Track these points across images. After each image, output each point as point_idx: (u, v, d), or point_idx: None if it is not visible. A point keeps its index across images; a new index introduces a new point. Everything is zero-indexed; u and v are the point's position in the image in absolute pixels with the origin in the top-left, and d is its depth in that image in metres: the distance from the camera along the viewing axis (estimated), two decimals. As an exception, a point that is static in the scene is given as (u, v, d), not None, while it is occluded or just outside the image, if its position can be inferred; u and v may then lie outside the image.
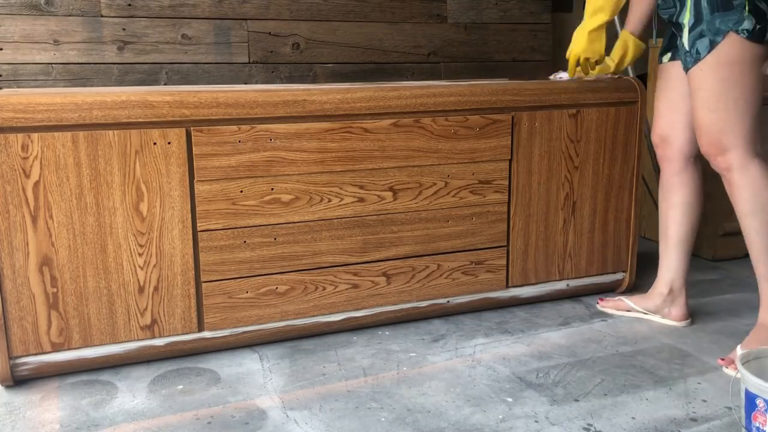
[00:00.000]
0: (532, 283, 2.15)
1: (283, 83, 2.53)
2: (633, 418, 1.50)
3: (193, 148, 1.68)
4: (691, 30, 1.70)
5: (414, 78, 2.71)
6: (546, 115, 2.04)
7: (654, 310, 2.01)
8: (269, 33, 2.42)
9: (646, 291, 2.31)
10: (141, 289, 1.70)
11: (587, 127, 2.10)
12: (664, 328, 1.99)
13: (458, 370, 1.73)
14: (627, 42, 1.98)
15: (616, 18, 2.15)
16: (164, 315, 1.73)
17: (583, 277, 2.21)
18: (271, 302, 1.83)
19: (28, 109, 1.53)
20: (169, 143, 1.66)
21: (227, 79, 2.40)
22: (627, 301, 2.06)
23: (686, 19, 1.71)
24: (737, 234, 2.64)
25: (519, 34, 2.90)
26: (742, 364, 1.38)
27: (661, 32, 2.32)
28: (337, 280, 1.89)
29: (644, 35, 2.01)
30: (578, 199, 2.14)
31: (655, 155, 2.77)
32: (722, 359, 1.74)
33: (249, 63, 2.41)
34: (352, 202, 1.87)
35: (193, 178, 1.70)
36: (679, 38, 1.76)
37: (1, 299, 1.58)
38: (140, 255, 1.68)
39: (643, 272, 2.48)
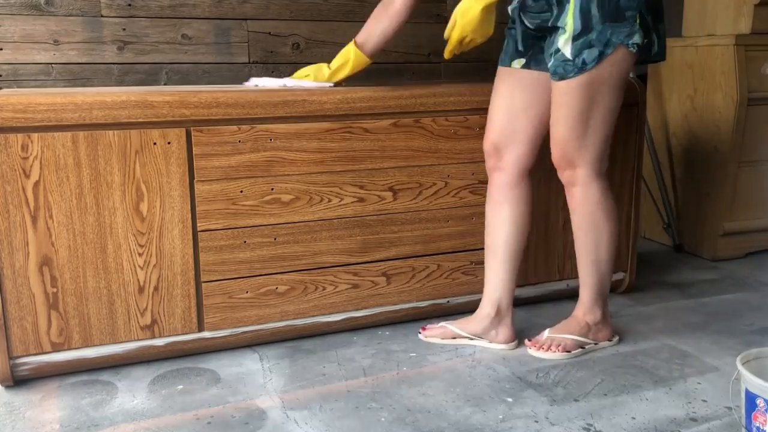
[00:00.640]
0: (532, 283, 2.15)
1: (283, 83, 2.53)
2: (633, 418, 1.50)
3: (193, 148, 1.68)
4: (576, 38, 1.58)
5: (414, 78, 2.71)
6: (546, 115, 2.03)
7: (481, 334, 1.85)
8: (269, 33, 2.42)
9: (645, 291, 2.31)
10: (141, 289, 1.70)
11: (587, 127, 2.10)
12: (664, 328, 1.99)
13: (458, 370, 1.73)
14: (349, 53, 1.86)
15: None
16: (164, 315, 1.73)
17: (583, 277, 2.21)
18: (271, 302, 1.83)
19: (28, 109, 1.53)
20: (169, 143, 1.65)
21: (227, 79, 2.40)
22: (451, 327, 1.87)
23: (568, 25, 1.59)
24: (737, 234, 2.65)
25: (519, 34, 2.90)
26: (742, 364, 1.38)
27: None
28: (337, 280, 1.89)
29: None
30: (578, 199, 2.13)
31: (656, 154, 2.77)
32: (529, 340, 1.82)
33: (249, 63, 2.41)
34: (352, 202, 1.87)
35: (193, 178, 1.70)
36: (547, 42, 1.67)
37: (1, 299, 1.58)
38: (140, 255, 1.68)
39: (643, 272, 2.48)
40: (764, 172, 2.65)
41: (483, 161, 1.98)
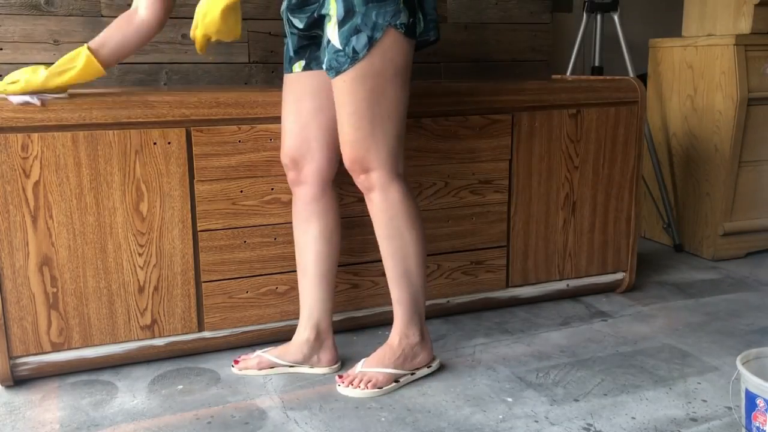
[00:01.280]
0: (532, 283, 2.15)
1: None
2: (633, 418, 1.50)
3: (193, 148, 1.68)
4: (341, 24, 1.45)
5: (414, 78, 2.71)
6: (546, 115, 2.04)
7: (302, 361, 1.71)
8: (269, 33, 2.42)
9: (645, 291, 2.31)
10: (141, 289, 1.70)
11: (587, 127, 2.10)
12: (664, 328, 1.99)
13: (458, 370, 1.73)
14: (78, 59, 1.57)
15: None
16: (164, 315, 1.73)
17: (583, 277, 2.21)
18: (271, 302, 1.83)
19: (28, 109, 1.53)
20: (169, 143, 1.65)
21: (227, 79, 2.40)
22: (268, 356, 1.71)
23: (332, 9, 1.46)
24: (737, 234, 2.65)
25: (519, 34, 2.90)
26: (742, 364, 1.38)
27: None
28: (337, 280, 1.89)
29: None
30: (578, 199, 2.14)
31: (656, 154, 2.77)
32: (340, 376, 1.63)
33: (249, 63, 2.41)
34: (352, 202, 1.87)
35: (193, 178, 1.70)
36: (322, 39, 1.55)
37: (1, 299, 1.58)
38: (140, 255, 1.68)
39: (643, 272, 2.48)
40: (764, 172, 2.65)
41: (483, 161, 1.98)
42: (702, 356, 1.80)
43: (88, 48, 1.58)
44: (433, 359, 1.71)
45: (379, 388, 1.60)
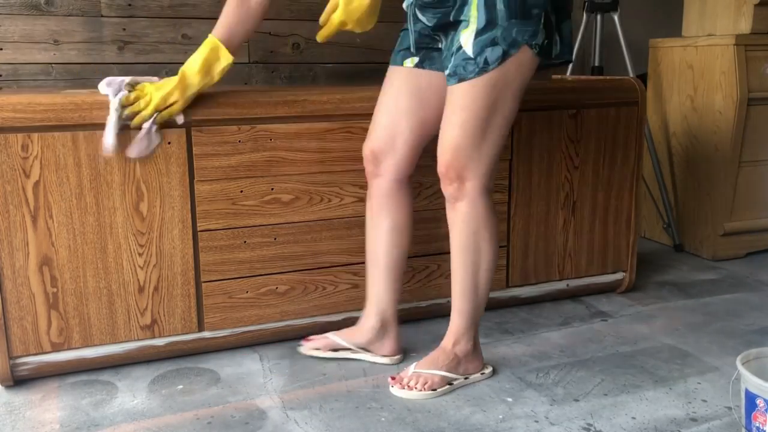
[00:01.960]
0: (532, 283, 2.15)
1: (283, 83, 2.53)
2: (633, 418, 1.50)
3: (193, 148, 1.68)
4: (479, 34, 1.45)
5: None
6: (546, 115, 2.04)
7: (365, 345, 1.76)
8: (269, 33, 2.42)
9: (645, 291, 2.31)
10: (141, 289, 1.70)
11: (587, 127, 2.10)
12: (664, 328, 1.99)
13: (458, 370, 1.72)
14: (218, 50, 1.62)
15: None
16: (164, 315, 1.73)
17: (583, 277, 2.21)
18: (271, 302, 1.83)
19: (28, 109, 1.53)
20: (169, 143, 1.65)
21: (227, 79, 2.40)
22: (335, 338, 1.78)
23: (472, 17, 1.46)
24: (737, 234, 2.65)
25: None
26: (742, 364, 1.38)
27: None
28: (338, 280, 1.89)
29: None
30: (578, 199, 2.14)
31: (656, 154, 2.77)
32: (393, 377, 1.64)
33: (249, 63, 2.41)
34: (352, 202, 1.87)
35: (193, 178, 1.70)
36: (447, 41, 1.54)
37: (1, 299, 1.58)
38: (140, 255, 1.68)
39: (643, 272, 2.48)
40: (764, 172, 2.65)
41: (483, 161, 1.98)
42: (702, 356, 1.80)
43: (220, 41, 1.61)
44: (485, 366, 1.71)
45: (433, 389, 1.60)
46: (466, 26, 1.47)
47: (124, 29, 2.24)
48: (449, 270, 2.01)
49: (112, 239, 1.65)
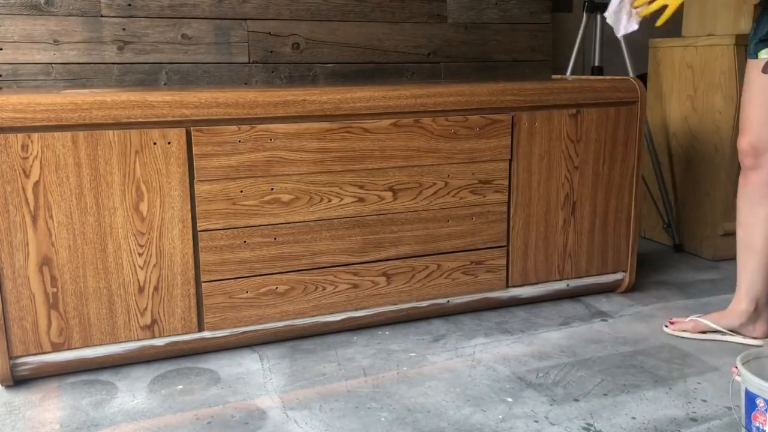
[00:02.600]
0: (532, 283, 2.15)
1: (283, 83, 2.53)
2: (633, 418, 1.50)
3: (193, 148, 1.68)
4: None
5: (414, 78, 2.71)
6: (546, 115, 2.04)
7: (738, 328, 1.86)
8: (269, 33, 2.42)
9: (645, 291, 2.31)
10: (141, 289, 1.70)
11: (587, 127, 2.10)
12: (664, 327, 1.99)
13: (458, 370, 1.73)
14: None
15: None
16: (164, 315, 1.73)
17: (583, 277, 2.21)
18: (271, 302, 1.83)
19: (28, 109, 1.53)
20: (169, 143, 1.66)
21: (227, 79, 2.40)
22: (704, 320, 1.90)
23: None
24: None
25: (519, 34, 2.90)
26: (742, 364, 1.38)
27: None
28: (337, 280, 1.89)
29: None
30: (578, 199, 2.14)
31: (656, 154, 2.77)
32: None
33: (249, 63, 2.41)
34: (352, 202, 1.87)
35: (193, 178, 1.70)
36: None
37: (1, 299, 1.58)
38: (140, 255, 1.68)
39: (643, 272, 2.48)
40: (764, 172, 2.65)
41: (483, 161, 1.99)
42: (702, 356, 1.80)
43: None
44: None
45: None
46: None
47: (124, 29, 2.24)
48: (449, 270, 2.02)
49: (112, 239, 1.65)
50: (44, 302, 1.62)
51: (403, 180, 1.91)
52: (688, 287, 2.36)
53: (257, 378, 1.69)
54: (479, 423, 1.48)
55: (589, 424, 1.47)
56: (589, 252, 2.20)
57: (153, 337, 1.74)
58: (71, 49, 2.20)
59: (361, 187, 1.87)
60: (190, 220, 1.71)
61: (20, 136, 1.54)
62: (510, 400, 1.58)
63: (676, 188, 2.81)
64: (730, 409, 1.52)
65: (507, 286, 2.12)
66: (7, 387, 1.65)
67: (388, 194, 1.90)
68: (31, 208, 1.57)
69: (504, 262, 2.08)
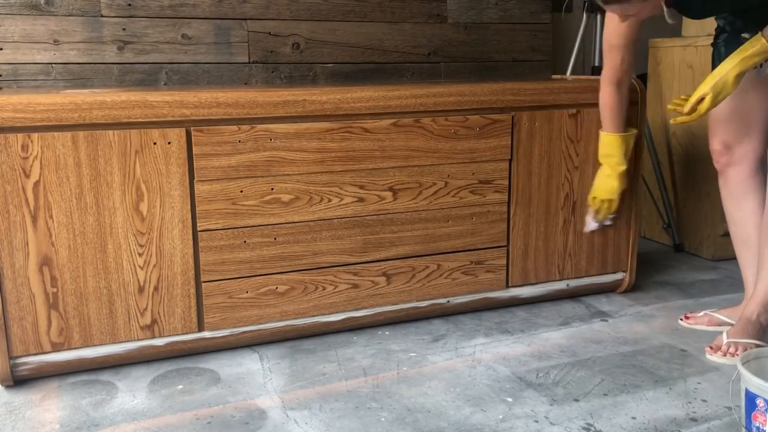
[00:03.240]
0: (532, 283, 2.15)
1: (283, 83, 2.53)
2: (633, 418, 1.50)
3: (193, 148, 1.68)
4: None
5: (414, 78, 2.72)
6: (546, 115, 2.04)
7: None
8: (269, 33, 2.42)
9: (645, 291, 2.31)
10: (141, 289, 1.70)
11: (587, 127, 2.10)
12: (664, 328, 1.99)
13: (458, 370, 1.73)
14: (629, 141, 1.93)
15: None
16: (164, 315, 1.73)
17: (583, 277, 2.21)
18: (271, 302, 1.83)
19: (28, 109, 1.53)
20: (169, 143, 1.66)
21: (227, 79, 2.40)
22: (718, 315, 1.96)
23: None
24: (737, 234, 2.64)
25: (519, 34, 2.90)
26: (742, 364, 1.38)
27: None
28: (337, 280, 1.89)
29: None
30: (578, 199, 2.14)
31: (656, 154, 2.77)
32: (710, 347, 1.79)
33: (249, 63, 2.41)
34: (352, 202, 1.87)
35: (193, 178, 1.70)
36: None
37: (1, 299, 1.58)
38: (140, 255, 1.68)
39: (643, 272, 2.48)
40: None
41: (483, 161, 1.98)
42: (702, 356, 1.80)
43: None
44: None
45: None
46: None
47: (124, 29, 2.24)
48: (449, 270, 2.02)
49: (112, 239, 1.65)
50: (44, 302, 1.62)
51: (403, 180, 1.91)
52: (688, 287, 2.36)
53: (257, 378, 1.69)
54: (479, 423, 1.48)
55: (589, 424, 1.47)
56: (589, 252, 2.20)
57: (153, 337, 1.74)
58: (71, 49, 2.20)
59: (361, 187, 1.87)
60: (190, 220, 1.71)
61: (20, 136, 1.54)
62: (510, 400, 1.58)
63: (676, 188, 2.80)
64: (730, 409, 1.52)
65: (507, 286, 2.12)
66: (7, 387, 1.65)
67: (388, 194, 1.90)
68: (31, 208, 1.57)
69: (504, 262, 2.08)
